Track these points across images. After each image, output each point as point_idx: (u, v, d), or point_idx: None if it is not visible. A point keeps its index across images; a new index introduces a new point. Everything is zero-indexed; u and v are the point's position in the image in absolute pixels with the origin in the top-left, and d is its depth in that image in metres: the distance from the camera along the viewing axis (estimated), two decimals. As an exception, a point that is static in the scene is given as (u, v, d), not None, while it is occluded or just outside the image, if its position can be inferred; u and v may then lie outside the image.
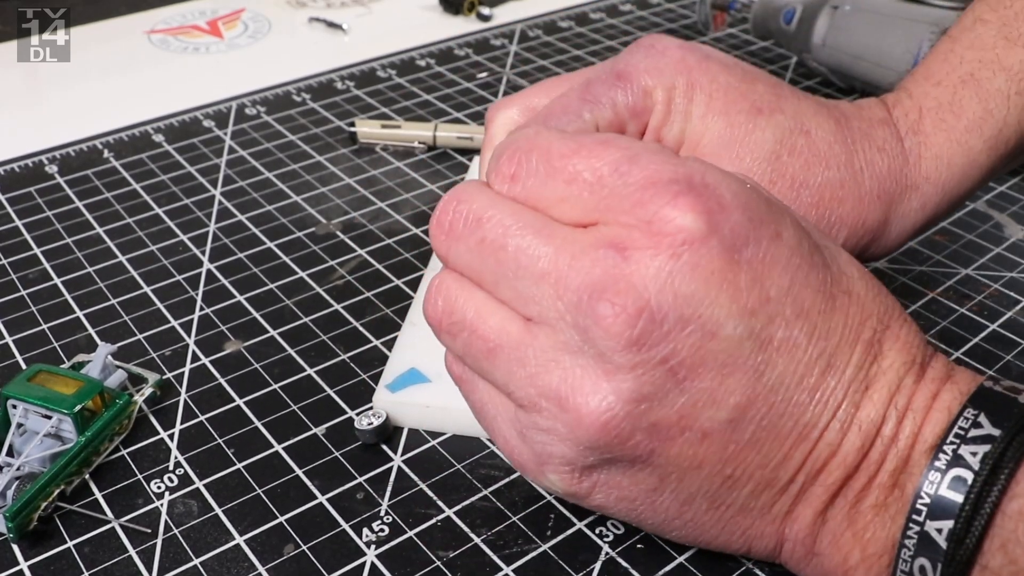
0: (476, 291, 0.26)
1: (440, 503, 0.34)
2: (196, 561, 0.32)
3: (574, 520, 0.33)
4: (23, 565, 0.32)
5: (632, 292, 0.23)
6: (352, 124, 0.58)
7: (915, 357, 0.26)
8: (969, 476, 0.23)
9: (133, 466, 0.36)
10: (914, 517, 0.23)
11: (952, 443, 0.23)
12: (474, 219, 0.25)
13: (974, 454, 0.23)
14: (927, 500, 0.23)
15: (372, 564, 0.32)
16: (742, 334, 0.23)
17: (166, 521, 0.33)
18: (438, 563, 0.32)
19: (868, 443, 0.25)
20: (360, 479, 0.35)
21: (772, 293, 0.23)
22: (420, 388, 0.37)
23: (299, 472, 0.35)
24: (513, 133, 0.27)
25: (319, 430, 0.37)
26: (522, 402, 0.25)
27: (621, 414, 0.23)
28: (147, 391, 0.38)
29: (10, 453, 0.35)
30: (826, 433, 0.24)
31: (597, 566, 0.31)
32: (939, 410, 0.25)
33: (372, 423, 0.36)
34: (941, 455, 0.24)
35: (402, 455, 0.36)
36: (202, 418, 0.38)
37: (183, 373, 0.40)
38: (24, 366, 0.40)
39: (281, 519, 0.33)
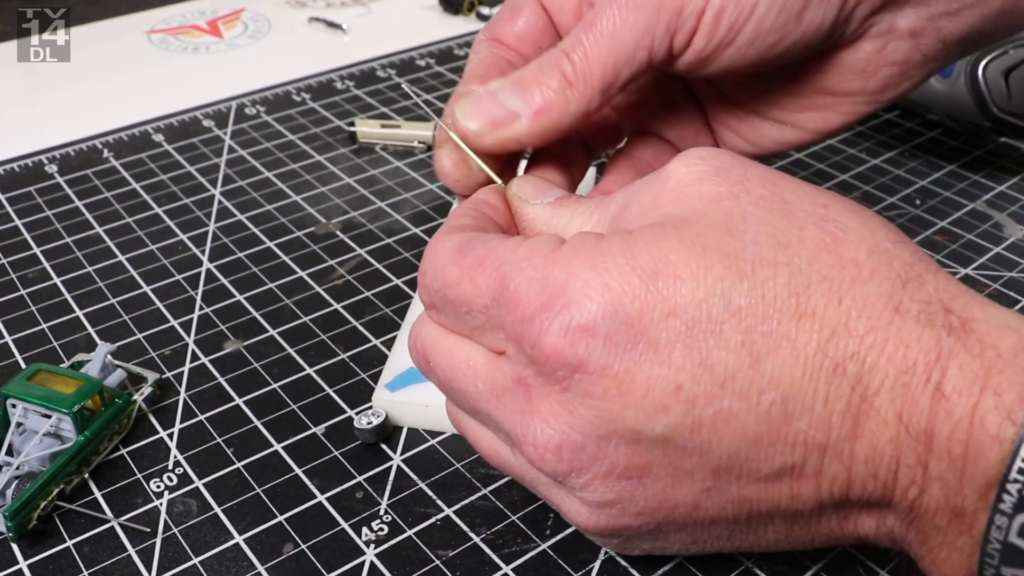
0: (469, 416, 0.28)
1: (439, 502, 0.34)
2: (195, 560, 0.32)
3: (573, 519, 0.33)
4: (22, 564, 0.32)
5: (544, 432, 0.23)
6: (352, 124, 0.58)
7: (915, 361, 0.21)
8: None
9: (132, 465, 0.36)
10: (987, 560, 0.21)
11: (1017, 481, 0.20)
12: (424, 360, 0.27)
13: None
14: (997, 546, 0.21)
15: (371, 563, 0.32)
16: (664, 431, 0.22)
17: (165, 520, 0.33)
18: (437, 562, 0.32)
19: (887, 475, 0.22)
20: (359, 478, 0.35)
21: (681, 379, 0.22)
22: (419, 387, 0.37)
23: (298, 471, 0.35)
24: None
25: (318, 429, 0.37)
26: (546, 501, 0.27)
27: (604, 518, 0.24)
28: (146, 390, 0.38)
29: (9, 452, 0.35)
30: (825, 468, 0.22)
31: (596, 565, 0.31)
32: (983, 435, 0.21)
33: (371, 422, 0.36)
34: (1005, 496, 0.20)
35: (401, 454, 0.36)
36: (201, 417, 0.38)
37: (182, 372, 0.40)
38: (24, 365, 0.40)
39: (280, 518, 0.33)
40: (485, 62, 0.31)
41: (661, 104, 0.35)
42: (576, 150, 0.33)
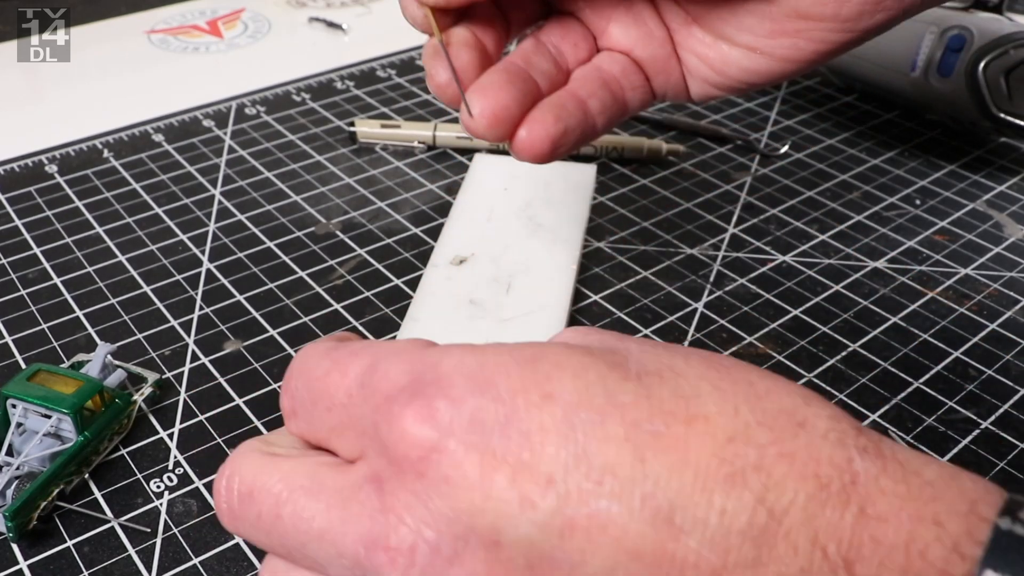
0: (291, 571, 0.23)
1: (439, 502, 0.34)
2: (195, 560, 0.32)
3: (573, 519, 0.33)
4: (23, 564, 0.32)
5: (397, 531, 0.20)
6: (352, 124, 0.58)
7: (829, 480, 0.18)
8: None
9: (132, 465, 0.36)
10: None
11: None
12: (246, 494, 0.22)
13: None
14: None
15: (371, 563, 0.32)
16: (529, 532, 0.18)
17: (165, 520, 0.33)
18: (437, 562, 0.32)
19: None
20: (359, 478, 0.35)
21: (553, 470, 0.18)
22: (419, 387, 0.37)
23: (298, 471, 0.35)
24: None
25: (319, 429, 0.37)
26: None
27: None
28: (146, 390, 0.38)
29: (10, 452, 0.35)
30: None
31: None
32: (925, 568, 0.17)
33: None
34: None
35: (401, 454, 0.36)
36: (201, 417, 0.38)
37: (183, 372, 0.40)
38: (24, 365, 0.40)
39: (280, 518, 0.33)
40: None
41: (633, 25, 0.34)
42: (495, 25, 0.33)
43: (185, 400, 0.39)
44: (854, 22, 0.31)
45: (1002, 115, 0.52)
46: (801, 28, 0.32)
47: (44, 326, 0.43)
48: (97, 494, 0.35)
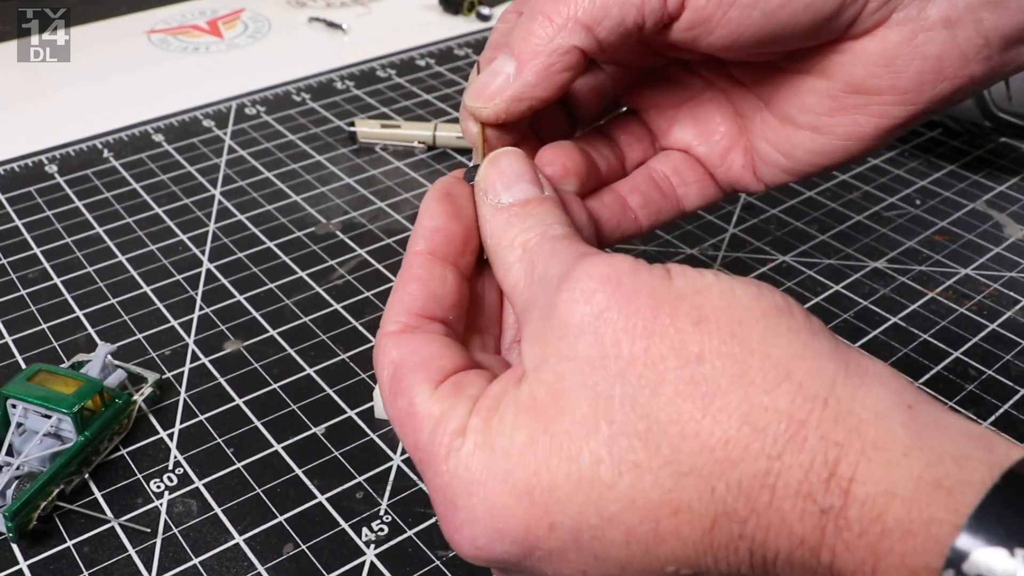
0: None
1: (439, 502, 0.34)
2: (195, 560, 0.32)
3: (573, 519, 0.33)
4: (23, 564, 0.32)
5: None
6: (352, 124, 0.58)
7: (802, 538, 0.20)
8: None
9: (132, 466, 0.36)
10: None
11: None
12: None
13: None
14: None
15: (371, 563, 0.32)
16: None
17: (165, 520, 0.33)
18: (437, 563, 0.32)
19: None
20: (359, 479, 0.35)
21: (584, 567, 0.23)
22: (419, 388, 0.37)
23: (298, 472, 0.35)
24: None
25: (318, 430, 0.37)
26: None
27: None
28: (146, 391, 0.38)
29: (10, 452, 0.35)
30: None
31: (596, 565, 0.31)
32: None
33: (371, 422, 0.36)
34: None
35: (402, 454, 0.36)
36: (201, 418, 0.38)
37: (183, 373, 0.40)
38: (24, 365, 0.40)
39: (280, 518, 0.33)
40: (509, 31, 0.29)
41: (694, 124, 0.34)
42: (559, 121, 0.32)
43: (185, 400, 0.39)
44: (915, 94, 0.30)
45: (1002, 115, 0.52)
46: (859, 103, 0.31)
47: (44, 326, 0.43)
48: (97, 494, 0.35)
